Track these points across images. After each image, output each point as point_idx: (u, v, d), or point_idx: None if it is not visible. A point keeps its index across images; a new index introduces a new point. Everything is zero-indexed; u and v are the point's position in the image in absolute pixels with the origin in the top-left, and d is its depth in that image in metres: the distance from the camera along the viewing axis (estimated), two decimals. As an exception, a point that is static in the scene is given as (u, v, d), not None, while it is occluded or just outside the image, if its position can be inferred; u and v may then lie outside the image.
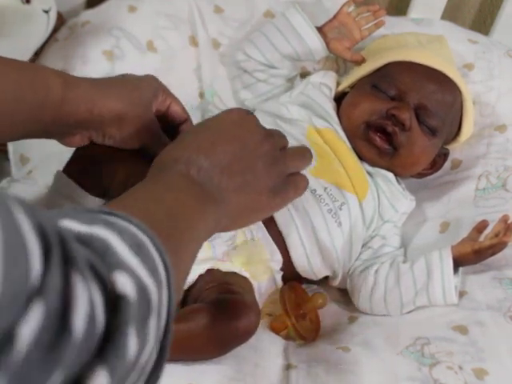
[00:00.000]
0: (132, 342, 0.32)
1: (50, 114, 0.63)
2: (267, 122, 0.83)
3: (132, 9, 1.04)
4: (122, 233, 0.36)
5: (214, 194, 0.54)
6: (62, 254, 0.29)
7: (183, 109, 0.74)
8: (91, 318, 0.29)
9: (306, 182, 0.65)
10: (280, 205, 0.62)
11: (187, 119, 0.75)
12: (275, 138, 0.61)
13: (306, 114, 0.93)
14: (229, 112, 0.62)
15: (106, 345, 0.30)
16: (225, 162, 0.55)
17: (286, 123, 0.93)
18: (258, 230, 0.83)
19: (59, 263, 0.28)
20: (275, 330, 0.82)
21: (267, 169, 0.58)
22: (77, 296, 0.28)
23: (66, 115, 0.64)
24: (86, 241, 0.34)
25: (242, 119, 0.60)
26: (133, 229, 0.38)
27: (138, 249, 0.36)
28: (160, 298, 0.36)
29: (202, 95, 1.05)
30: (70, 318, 0.27)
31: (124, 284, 0.33)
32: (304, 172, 0.84)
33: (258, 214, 0.62)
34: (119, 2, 1.06)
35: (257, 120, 0.62)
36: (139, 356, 0.33)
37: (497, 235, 0.82)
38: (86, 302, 0.29)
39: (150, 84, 0.72)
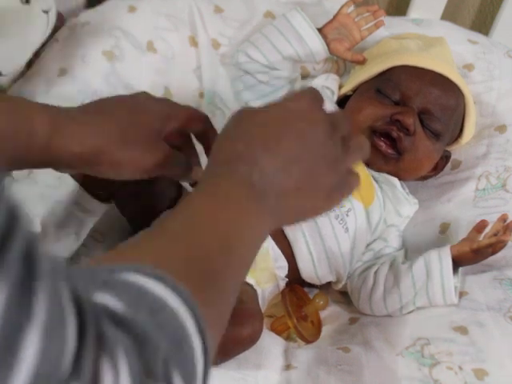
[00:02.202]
0: None
1: (37, 156, 0.59)
2: None
3: (132, 9, 1.04)
4: (162, 327, 0.35)
5: (271, 201, 0.50)
6: (96, 333, 0.30)
7: (203, 120, 0.70)
8: None
9: (359, 180, 0.58)
10: (332, 206, 0.57)
11: (210, 128, 0.70)
12: (340, 126, 0.55)
13: None
14: (297, 100, 0.55)
15: None
16: (287, 163, 0.51)
17: None
18: None
19: (92, 343, 0.29)
20: (276, 331, 0.82)
21: (327, 171, 0.54)
22: (104, 381, 0.29)
23: (54, 158, 0.60)
24: (124, 324, 0.33)
25: (310, 110, 0.54)
26: (175, 313, 0.37)
27: (177, 345, 0.36)
28: None
29: (201, 95, 1.05)
30: None
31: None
32: None
33: (306, 217, 0.57)
34: (119, 2, 1.05)
35: (323, 107, 0.56)
36: None
37: (495, 234, 0.82)
38: None
39: (160, 111, 0.66)
